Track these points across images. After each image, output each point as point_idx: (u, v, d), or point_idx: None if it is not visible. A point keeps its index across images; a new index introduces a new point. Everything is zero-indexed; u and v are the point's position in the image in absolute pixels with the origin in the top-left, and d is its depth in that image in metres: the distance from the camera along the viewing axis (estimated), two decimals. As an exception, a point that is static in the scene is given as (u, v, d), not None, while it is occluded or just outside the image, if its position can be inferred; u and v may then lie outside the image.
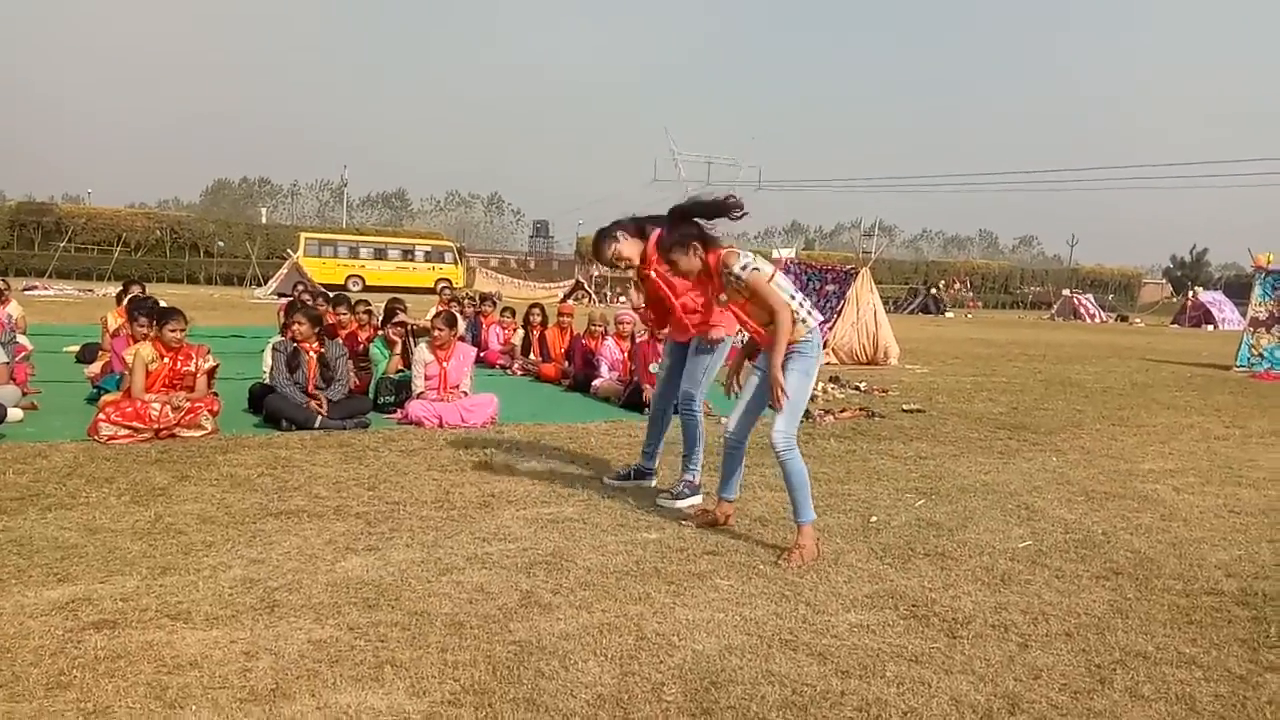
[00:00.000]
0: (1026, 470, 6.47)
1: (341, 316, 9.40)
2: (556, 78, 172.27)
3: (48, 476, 5.10)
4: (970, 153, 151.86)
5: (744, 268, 4.26)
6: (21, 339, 9.50)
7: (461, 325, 8.79)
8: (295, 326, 7.10)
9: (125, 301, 9.12)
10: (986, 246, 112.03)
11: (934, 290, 48.03)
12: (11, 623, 3.14)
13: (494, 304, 13.41)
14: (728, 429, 4.63)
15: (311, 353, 7.11)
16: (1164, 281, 78.14)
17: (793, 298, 4.29)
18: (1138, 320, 45.66)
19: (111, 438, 6.00)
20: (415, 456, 6.03)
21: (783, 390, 4.18)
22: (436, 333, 7.45)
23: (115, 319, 9.10)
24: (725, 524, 4.70)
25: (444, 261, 42.43)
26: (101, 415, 6.09)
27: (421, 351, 7.50)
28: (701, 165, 76.13)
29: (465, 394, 7.49)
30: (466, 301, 13.79)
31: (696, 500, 5.15)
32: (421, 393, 7.37)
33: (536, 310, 11.85)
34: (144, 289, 10.30)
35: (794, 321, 4.24)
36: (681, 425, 5.33)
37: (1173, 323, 41.97)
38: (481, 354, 11.34)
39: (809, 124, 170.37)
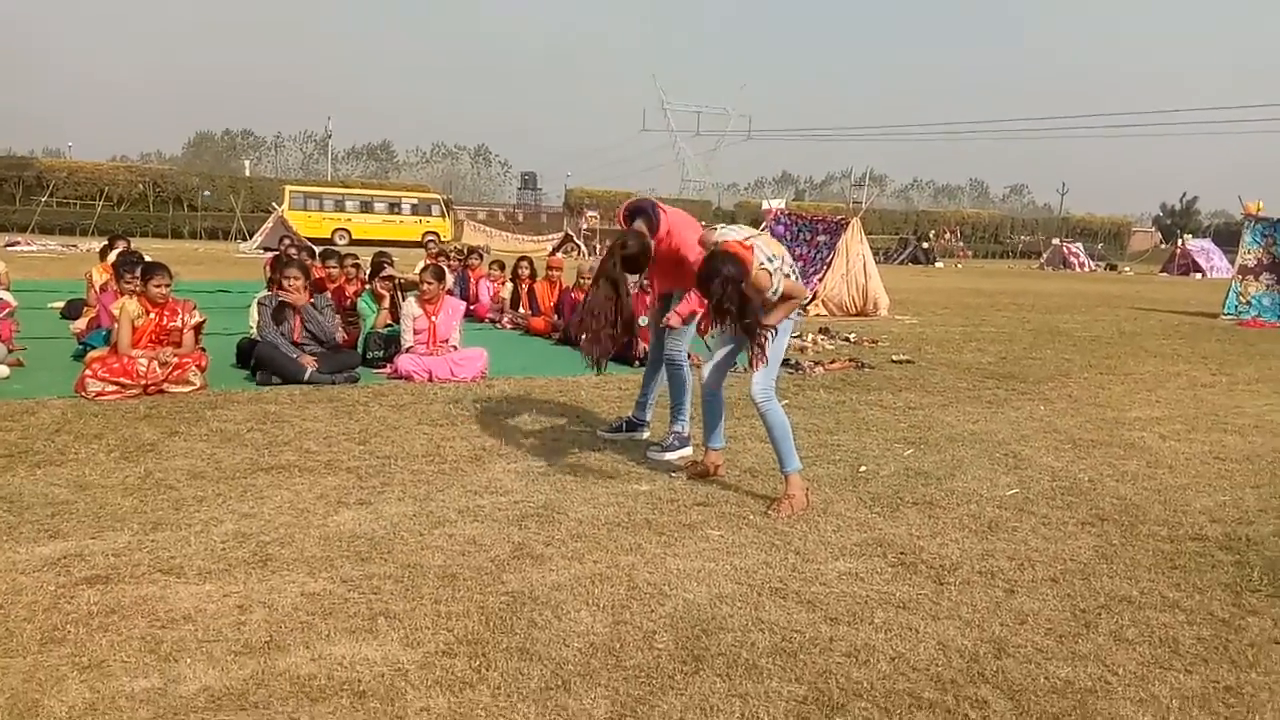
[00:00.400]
0: (1014, 419, 6.51)
1: (331, 270, 9.33)
2: (543, 26, 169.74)
3: (36, 433, 5.08)
4: (961, 101, 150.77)
5: (775, 291, 4.22)
6: (5, 295, 9.40)
7: (450, 279, 8.74)
8: (290, 282, 7.03)
9: (112, 257, 9.03)
10: (977, 196, 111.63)
11: (924, 241, 47.93)
12: (4, 579, 3.15)
13: (481, 257, 13.32)
14: (703, 379, 4.65)
15: (298, 306, 7.07)
16: (1153, 230, 78.15)
17: (770, 259, 4.21)
18: (1127, 269, 45.73)
19: (99, 394, 5.97)
20: (405, 411, 6.03)
21: (765, 350, 4.15)
22: (425, 286, 7.41)
23: (100, 274, 9.02)
24: (715, 474, 4.73)
25: (431, 214, 42.09)
26: (89, 371, 6.05)
27: (410, 305, 7.46)
28: (691, 115, 75.50)
29: (454, 348, 7.47)
30: (454, 255, 13.70)
31: (686, 452, 5.17)
32: (410, 347, 7.35)
33: (525, 263, 11.80)
34: (129, 244, 10.20)
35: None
36: (668, 379, 5.35)
37: (1161, 271, 42.04)
38: (470, 308, 11.28)
39: (798, 73, 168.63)
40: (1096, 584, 3.49)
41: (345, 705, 2.46)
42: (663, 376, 5.51)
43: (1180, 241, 44.93)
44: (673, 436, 5.24)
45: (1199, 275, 38.37)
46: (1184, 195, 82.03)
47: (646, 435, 5.55)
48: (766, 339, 4.15)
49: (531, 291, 11.34)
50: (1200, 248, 42.33)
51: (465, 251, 13.66)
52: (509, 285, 11.95)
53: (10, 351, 7.27)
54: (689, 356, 5.35)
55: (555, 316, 10.49)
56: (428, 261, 10.59)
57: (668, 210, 5.08)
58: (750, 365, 4.23)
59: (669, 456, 5.11)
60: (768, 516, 4.12)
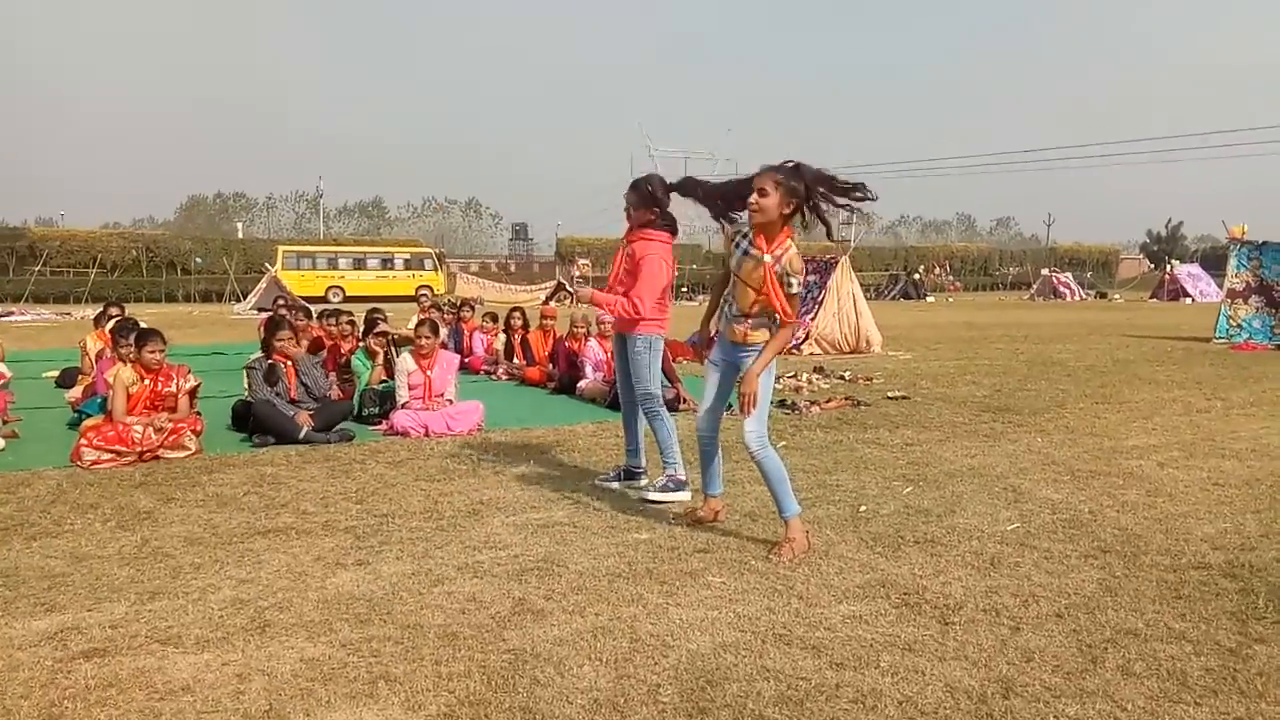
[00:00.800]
0: (1012, 452, 6.51)
1: (330, 329, 9.38)
2: (530, 79, 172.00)
3: (31, 505, 5.06)
4: (944, 137, 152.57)
5: (799, 286, 4.19)
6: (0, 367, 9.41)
7: (443, 332, 8.77)
8: (281, 342, 7.09)
9: (109, 324, 9.04)
10: (964, 230, 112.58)
11: (914, 275, 48.19)
12: (1, 655, 3.11)
13: (473, 309, 13.37)
14: (698, 425, 4.65)
15: (288, 364, 7.11)
16: (1141, 257, 78.67)
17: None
18: (1117, 296, 45.96)
19: (95, 463, 5.95)
20: (402, 467, 6.01)
21: (753, 399, 4.15)
22: (422, 342, 7.43)
23: (95, 341, 9.03)
24: (715, 520, 4.70)
25: (424, 268, 42.26)
26: (84, 440, 6.04)
27: (405, 361, 7.47)
28: (678, 160, 76.16)
29: (450, 402, 7.47)
30: (447, 308, 13.74)
31: (684, 496, 5.16)
32: (406, 402, 7.35)
33: (518, 314, 11.84)
34: (123, 310, 10.22)
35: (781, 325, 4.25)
36: (649, 424, 5.34)
37: (1151, 297, 42.28)
38: (465, 360, 11.31)
39: (782, 115, 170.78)
40: (1102, 617, 3.47)
41: (348, 773, 2.42)
42: (643, 422, 5.50)
43: (1169, 267, 45.23)
44: (666, 479, 5.23)
45: (1188, 300, 38.60)
46: (1169, 221, 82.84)
47: (645, 481, 5.54)
48: (754, 393, 4.15)
49: (525, 342, 11.37)
50: (1188, 273, 42.63)
51: (458, 304, 13.70)
52: (502, 336, 11.98)
53: (5, 423, 7.26)
54: (685, 400, 5.36)
55: (550, 366, 10.51)
56: (421, 316, 10.63)
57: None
58: (741, 410, 4.22)
59: (666, 497, 5.11)
60: (769, 561, 4.10)
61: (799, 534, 4.22)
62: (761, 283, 4.17)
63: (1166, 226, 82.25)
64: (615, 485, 5.50)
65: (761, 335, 4.28)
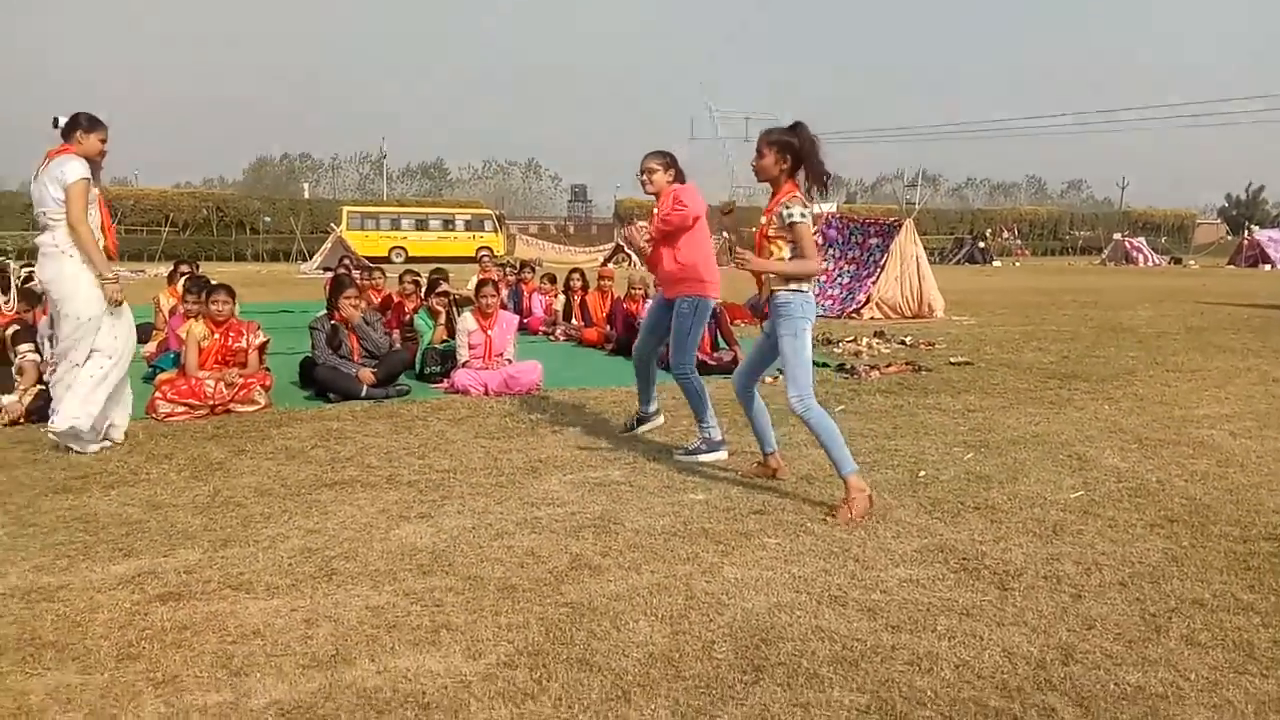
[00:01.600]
0: (1078, 420, 6.38)
1: (407, 287, 9.60)
2: (591, 36, 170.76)
3: (109, 455, 5.26)
4: (1015, 96, 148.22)
5: (802, 215, 4.28)
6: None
7: (503, 293, 8.85)
8: (347, 301, 7.16)
9: (181, 281, 9.29)
10: (1034, 192, 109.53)
11: (980, 239, 47.20)
12: (81, 597, 3.26)
13: (534, 271, 13.45)
14: (734, 385, 4.77)
15: (352, 323, 7.19)
16: (1219, 221, 75.97)
17: (806, 212, 4.35)
18: (1192, 262, 44.50)
19: (169, 415, 6.15)
20: (463, 425, 6.11)
21: (746, 257, 4.31)
22: (488, 300, 7.51)
23: (168, 298, 9.29)
24: (777, 476, 4.76)
25: (484, 229, 42.60)
26: (158, 393, 6.24)
27: (465, 320, 7.56)
28: (739, 121, 75.24)
29: (509, 361, 7.55)
30: (507, 269, 13.84)
31: (720, 455, 5.25)
32: (466, 361, 7.45)
33: (577, 275, 11.87)
34: (196, 268, 10.49)
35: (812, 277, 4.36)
36: (683, 392, 5.40)
37: (1229, 263, 40.84)
38: (524, 321, 11.40)
39: (850, 75, 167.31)
40: (1166, 587, 3.41)
41: (410, 717, 2.50)
42: (654, 375, 5.76)
43: (1248, 232, 43.60)
44: (700, 441, 5.32)
45: (1268, 266, 37.20)
46: (1249, 184, 79.70)
47: (662, 419, 5.83)
48: (745, 258, 4.31)
49: (584, 303, 11.41)
50: (1269, 237, 40.98)
51: (519, 266, 13.79)
52: (561, 298, 12.04)
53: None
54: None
55: (608, 327, 10.55)
56: (482, 276, 10.73)
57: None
58: (735, 261, 4.36)
59: (700, 459, 5.19)
60: (827, 523, 4.09)
61: (858, 493, 4.18)
62: (793, 238, 4.31)
63: (1246, 190, 79.19)
64: (636, 431, 5.77)
65: (775, 284, 4.37)
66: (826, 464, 4.98)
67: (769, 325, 4.50)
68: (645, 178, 5.34)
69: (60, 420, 5.09)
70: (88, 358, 5.16)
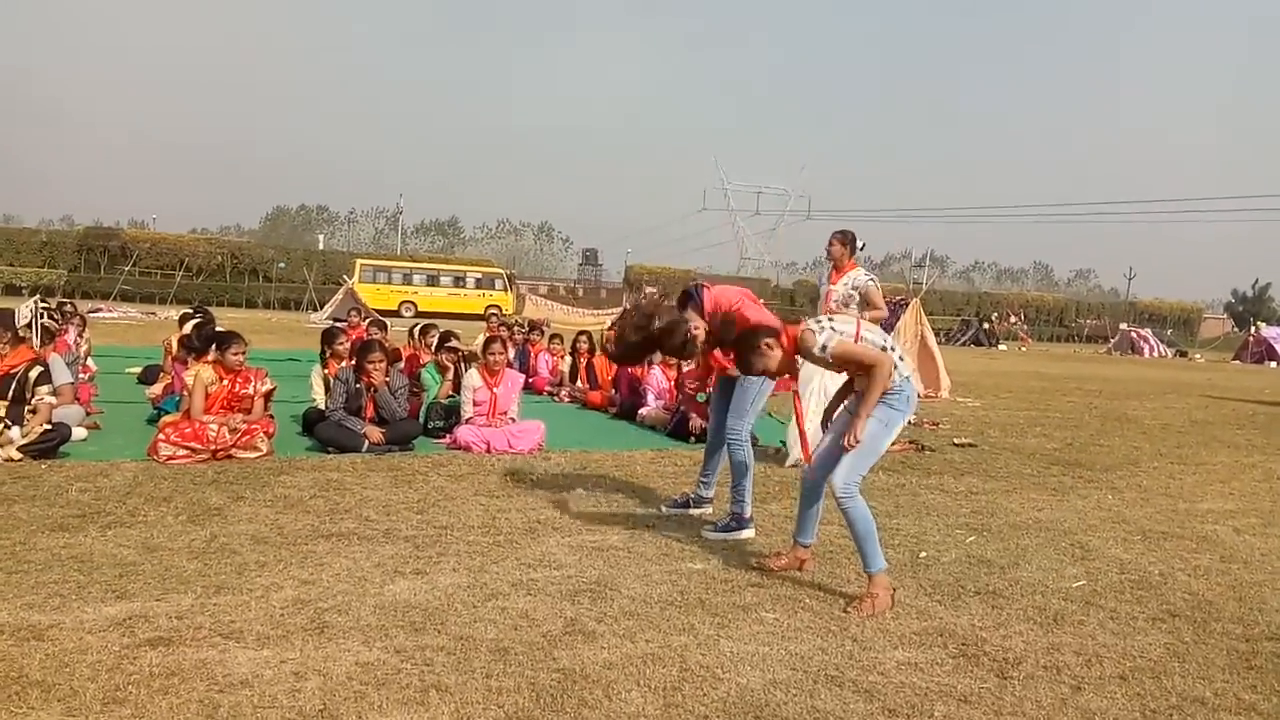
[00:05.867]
0: (1081, 508, 6.34)
1: (422, 340, 9.66)
2: (607, 109, 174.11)
3: (109, 495, 5.24)
4: (1024, 184, 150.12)
5: (824, 347, 4.07)
6: (86, 360, 9.80)
7: (510, 352, 8.89)
8: (374, 365, 7.07)
9: (188, 328, 9.36)
10: (1041, 279, 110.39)
11: (985, 322, 47.38)
12: (71, 637, 3.23)
13: (542, 332, 13.51)
14: (806, 469, 4.52)
15: (373, 386, 7.12)
16: (1225, 316, 76.27)
17: (890, 349, 4.14)
18: (1198, 356, 44.53)
19: (170, 458, 6.14)
20: (463, 481, 6.09)
21: (857, 435, 4.04)
22: (495, 357, 7.53)
23: (178, 343, 9.33)
24: (800, 570, 4.48)
25: (494, 288, 42.90)
26: (161, 436, 6.24)
27: (471, 377, 7.58)
28: (750, 194, 76.24)
29: (513, 420, 7.55)
30: (515, 329, 13.90)
31: (747, 534, 5.12)
32: (470, 418, 7.45)
33: (584, 337, 11.93)
34: (208, 314, 10.58)
35: (892, 369, 4.07)
36: (729, 456, 5.31)
37: (1234, 359, 40.87)
38: (529, 381, 11.42)
39: (859, 154, 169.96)
40: (1168, 683, 3.36)
41: (395, 778, 2.45)
42: (724, 456, 5.49)
43: (1254, 328, 43.71)
44: (730, 518, 5.19)
45: (1274, 363, 37.22)
46: (1256, 281, 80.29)
47: (709, 511, 5.52)
48: (859, 430, 4.05)
49: (590, 365, 11.44)
50: (1276, 335, 41.10)
51: (528, 327, 13.85)
52: (567, 359, 12.08)
53: (88, 415, 7.54)
54: (753, 439, 5.35)
55: (613, 391, 10.56)
56: (489, 334, 10.78)
57: (712, 288, 5.21)
58: (844, 443, 4.10)
59: (726, 537, 5.06)
60: (846, 614, 3.91)
61: (883, 590, 4.02)
62: (842, 360, 4.15)
63: (1253, 287, 79.71)
64: (680, 512, 5.52)
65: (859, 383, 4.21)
66: (828, 540, 4.96)
67: (853, 404, 4.27)
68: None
69: None
70: None
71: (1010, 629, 3.84)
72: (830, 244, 7.41)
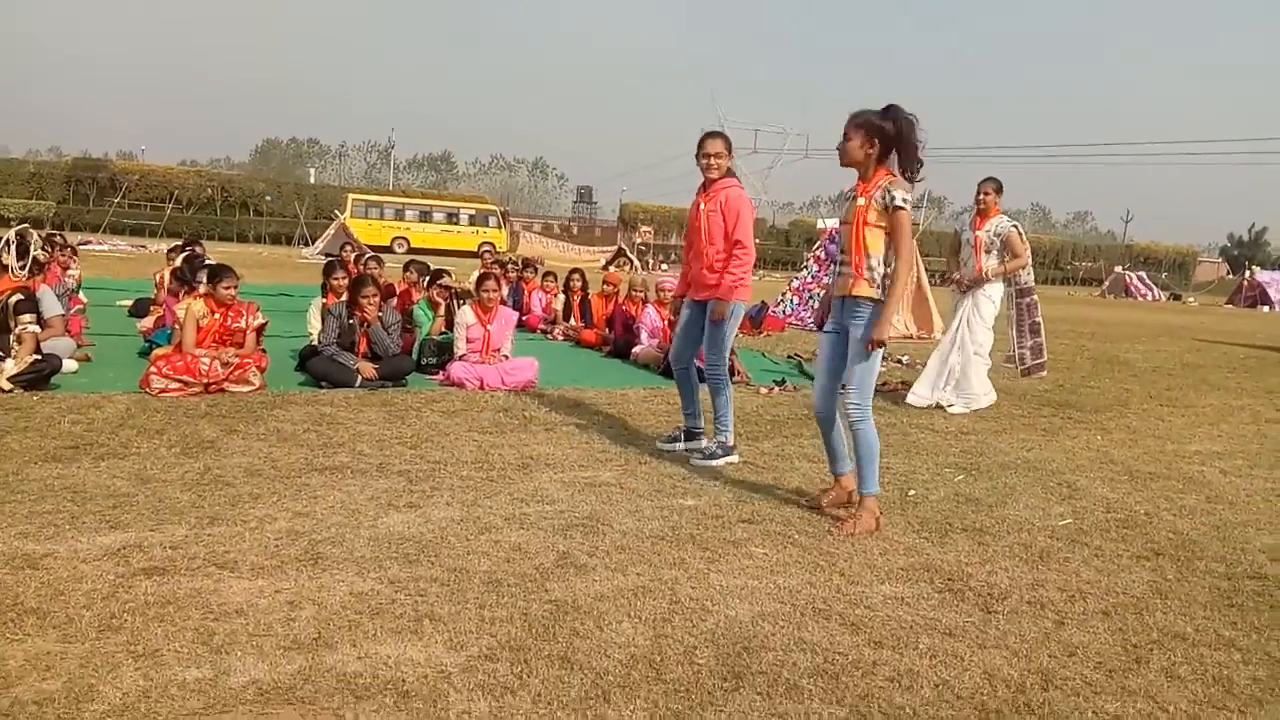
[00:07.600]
0: (1070, 448, 6.39)
1: (411, 280, 9.56)
2: (603, 44, 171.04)
3: (101, 426, 5.24)
4: (1023, 125, 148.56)
5: (904, 200, 4.12)
6: (77, 293, 9.74)
7: (504, 289, 8.84)
8: (368, 300, 7.07)
9: (179, 258, 9.29)
10: (1038, 221, 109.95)
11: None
12: (66, 566, 3.25)
13: (536, 270, 13.43)
14: (815, 406, 4.56)
15: (367, 321, 7.09)
16: (1220, 260, 76.21)
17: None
18: (1191, 299, 44.60)
19: (162, 390, 6.14)
20: (456, 417, 6.11)
21: (878, 341, 4.13)
22: (488, 294, 7.50)
23: (169, 275, 9.27)
24: (849, 502, 4.48)
25: (488, 225, 42.57)
26: (153, 368, 6.23)
27: (464, 314, 7.56)
28: (748, 132, 75.31)
29: (506, 357, 7.55)
30: (510, 266, 13.82)
31: (732, 459, 5.25)
32: (463, 355, 7.44)
33: (577, 275, 11.87)
34: (199, 246, 10.48)
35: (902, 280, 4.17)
36: (709, 390, 5.44)
37: (1228, 302, 40.96)
38: (523, 318, 11.39)
39: (860, 93, 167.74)
40: (1149, 619, 3.42)
41: (389, 704, 2.50)
42: (696, 382, 5.62)
43: (1248, 272, 43.73)
44: (716, 444, 5.32)
45: (1267, 308, 37.33)
46: (1252, 226, 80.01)
47: (703, 443, 5.55)
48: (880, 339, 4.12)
49: (585, 302, 11.41)
50: (1270, 279, 41.16)
51: (521, 264, 13.76)
52: (561, 297, 12.04)
53: (79, 347, 7.51)
54: (739, 373, 5.40)
55: (607, 329, 10.55)
56: (483, 270, 10.72)
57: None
58: (866, 347, 4.17)
59: (713, 464, 5.17)
60: (831, 534, 4.10)
61: (868, 514, 4.20)
62: (891, 227, 4.18)
63: (1249, 231, 79.49)
64: (679, 447, 5.55)
65: (865, 290, 4.19)
66: (817, 478, 5.00)
67: (830, 322, 4.43)
68: (711, 161, 5.30)
69: None
70: None
71: (996, 565, 3.90)
72: (983, 191, 7.55)
